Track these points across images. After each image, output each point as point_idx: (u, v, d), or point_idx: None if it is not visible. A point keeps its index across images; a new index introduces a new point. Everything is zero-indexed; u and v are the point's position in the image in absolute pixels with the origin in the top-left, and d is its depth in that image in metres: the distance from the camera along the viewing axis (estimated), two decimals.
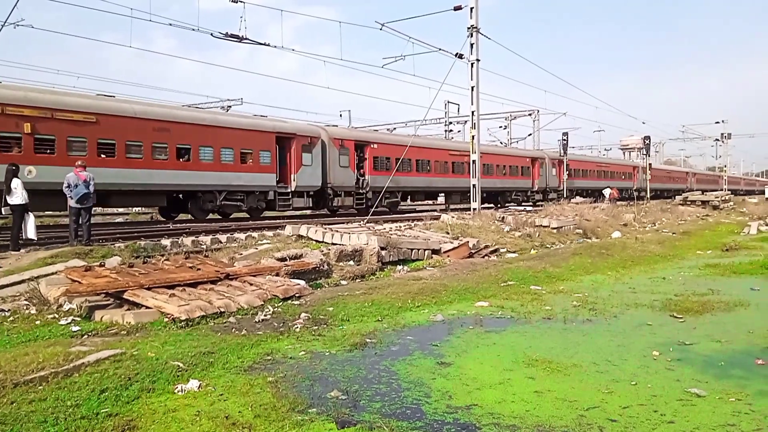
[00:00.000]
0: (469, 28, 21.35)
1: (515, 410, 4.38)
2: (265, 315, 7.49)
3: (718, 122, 66.83)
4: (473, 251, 14.40)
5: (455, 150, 32.28)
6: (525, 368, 5.42)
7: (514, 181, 37.65)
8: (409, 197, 31.97)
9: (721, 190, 57.47)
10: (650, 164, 50.14)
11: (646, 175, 53.23)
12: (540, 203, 36.80)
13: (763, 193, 56.71)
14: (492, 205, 34.03)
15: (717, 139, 68.22)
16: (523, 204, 36.08)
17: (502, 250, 15.36)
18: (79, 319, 7.30)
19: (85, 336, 6.63)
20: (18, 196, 11.27)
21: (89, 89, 39.73)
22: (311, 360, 5.67)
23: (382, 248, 12.43)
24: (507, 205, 35.07)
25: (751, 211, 33.43)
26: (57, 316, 7.39)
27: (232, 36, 19.56)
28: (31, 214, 11.57)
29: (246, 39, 19.84)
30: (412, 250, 13.24)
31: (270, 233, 15.17)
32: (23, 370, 4.92)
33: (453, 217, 19.68)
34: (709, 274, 11.43)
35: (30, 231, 11.41)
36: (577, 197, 43.43)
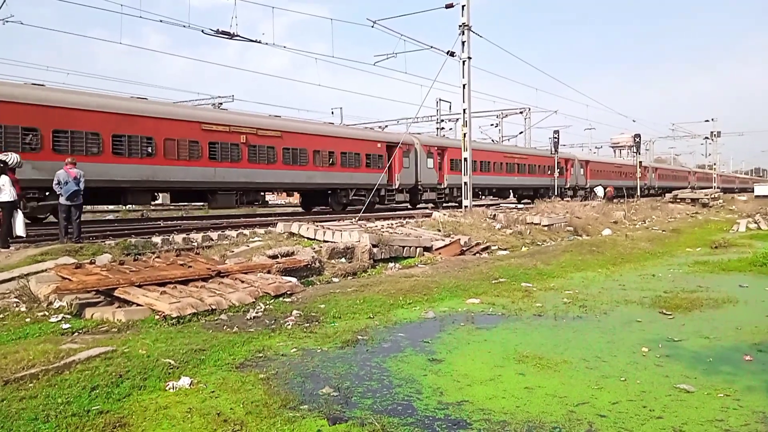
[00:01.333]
0: (460, 25, 21.37)
1: (505, 406, 4.41)
2: (256, 312, 7.48)
3: (707, 120, 67.11)
4: (464, 248, 14.45)
5: (216, 122, 20.76)
6: (515, 364, 5.45)
7: (352, 174, 26.29)
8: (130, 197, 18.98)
9: (691, 188, 55.22)
10: (640, 162, 50.43)
11: (584, 171, 50.40)
12: (402, 205, 28.76)
13: (745, 191, 56.39)
14: (326, 207, 26.67)
15: (706, 138, 68.61)
16: (376, 208, 26.51)
17: (493, 248, 15.42)
18: (69, 316, 7.26)
19: (76, 333, 6.60)
20: (6, 193, 11.19)
21: (79, 86, 39.36)
22: (303, 357, 5.68)
23: (374, 246, 12.45)
24: (350, 208, 25.55)
25: (740, 209, 33.72)
26: (47, 313, 7.35)
27: (224, 33, 19.45)
28: (20, 211, 11.50)
29: (237, 36, 19.75)
30: (403, 247, 13.27)
31: (261, 230, 15.17)
32: (13, 368, 4.90)
33: (444, 214, 19.78)
34: (699, 271, 11.52)
35: (19, 228, 11.34)
36: (484, 196, 35.85)
